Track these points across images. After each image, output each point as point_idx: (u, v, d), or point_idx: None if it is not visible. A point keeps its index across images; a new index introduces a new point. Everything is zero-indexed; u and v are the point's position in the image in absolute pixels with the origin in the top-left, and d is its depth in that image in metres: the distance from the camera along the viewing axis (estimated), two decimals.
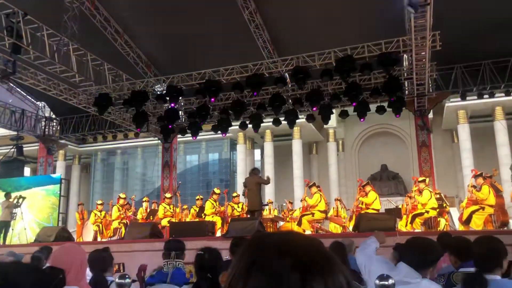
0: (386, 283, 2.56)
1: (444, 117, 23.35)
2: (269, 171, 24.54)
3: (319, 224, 12.59)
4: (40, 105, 19.93)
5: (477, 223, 10.46)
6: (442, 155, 23.82)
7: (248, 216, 11.73)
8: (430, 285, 2.73)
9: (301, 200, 13.52)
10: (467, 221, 10.63)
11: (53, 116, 20.16)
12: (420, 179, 11.98)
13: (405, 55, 13.16)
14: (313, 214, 12.18)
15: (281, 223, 13.37)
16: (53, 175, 18.54)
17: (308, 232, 11.82)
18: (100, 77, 14.05)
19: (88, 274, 3.52)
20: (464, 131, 22.36)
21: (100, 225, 13.98)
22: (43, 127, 19.80)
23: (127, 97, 14.32)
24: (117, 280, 3.27)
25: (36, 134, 19.77)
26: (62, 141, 21.54)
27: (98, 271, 3.73)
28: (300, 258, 0.76)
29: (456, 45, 13.17)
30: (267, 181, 11.87)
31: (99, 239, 13.67)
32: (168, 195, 14.39)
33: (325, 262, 0.78)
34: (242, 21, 13.98)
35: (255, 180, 11.53)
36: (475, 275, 2.67)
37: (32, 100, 19.58)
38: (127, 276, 3.26)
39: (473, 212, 10.57)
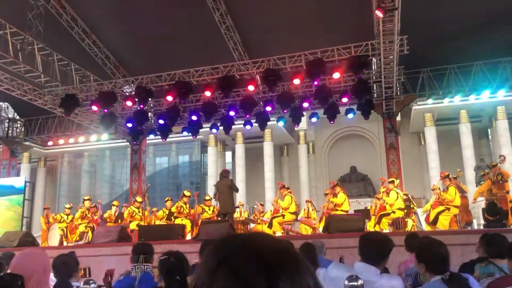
0: (356, 283, 2.57)
1: (411, 120, 23.88)
2: (240, 173, 24.50)
3: (290, 226, 12.64)
4: (3, 105, 19.30)
5: (443, 224, 10.72)
6: (409, 157, 24.33)
7: (220, 218, 11.67)
8: (390, 279, 2.75)
9: (273, 204, 13.55)
10: (434, 222, 10.88)
11: (17, 117, 19.54)
12: (389, 180, 12.20)
13: (373, 58, 13.39)
14: (283, 216, 12.23)
15: (252, 225, 13.36)
16: (16, 185, 17.12)
17: (278, 234, 11.84)
18: (66, 77, 13.73)
19: (53, 279, 3.40)
20: (430, 134, 22.94)
21: (65, 229, 13.61)
22: (6, 129, 19.16)
23: (95, 98, 14.04)
24: (82, 285, 3.18)
25: None
26: (27, 143, 20.91)
27: (62, 277, 3.60)
28: (266, 259, 0.74)
29: (422, 50, 13.50)
30: (236, 190, 11.95)
31: (65, 243, 13.30)
32: (139, 199, 14.08)
33: (291, 262, 0.76)
34: (213, 22, 13.93)
35: (227, 183, 11.49)
36: (456, 275, 2.69)
37: None
38: (92, 281, 3.17)
39: (439, 213, 10.83)
